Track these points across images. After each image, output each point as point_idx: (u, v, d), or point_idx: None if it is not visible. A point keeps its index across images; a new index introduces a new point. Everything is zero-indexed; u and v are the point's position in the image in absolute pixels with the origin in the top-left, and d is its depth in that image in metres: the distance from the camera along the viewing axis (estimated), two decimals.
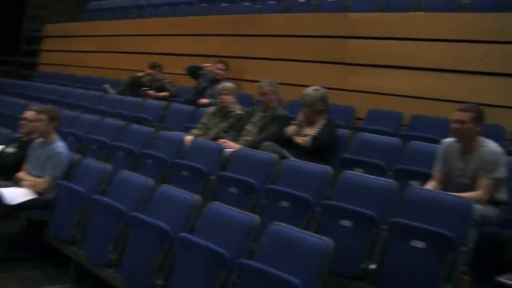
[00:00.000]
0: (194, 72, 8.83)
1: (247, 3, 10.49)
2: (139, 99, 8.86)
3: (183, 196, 4.42)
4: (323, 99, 5.95)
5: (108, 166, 5.47)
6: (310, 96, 5.94)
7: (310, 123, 5.98)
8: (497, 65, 6.37)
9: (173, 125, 7.58)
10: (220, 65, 8.52)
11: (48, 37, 14.17)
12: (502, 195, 4.54)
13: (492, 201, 4.48)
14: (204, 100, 8.17)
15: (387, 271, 4.05)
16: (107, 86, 9.75)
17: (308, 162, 5.20)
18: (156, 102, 8.67)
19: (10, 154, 6.05)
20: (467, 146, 4.59)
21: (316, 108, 5.92)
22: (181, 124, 7.61)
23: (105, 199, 4.85)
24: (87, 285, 4.91)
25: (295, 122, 6.06)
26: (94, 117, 7.93)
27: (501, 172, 4.46)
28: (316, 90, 5.99)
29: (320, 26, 8.13)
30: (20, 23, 15.17)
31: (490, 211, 4.40)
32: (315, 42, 8.15)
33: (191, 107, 8.04)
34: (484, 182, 4.45)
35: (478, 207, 4.17)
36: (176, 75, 9.65)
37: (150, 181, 4.86)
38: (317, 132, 5.86)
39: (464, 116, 4.52)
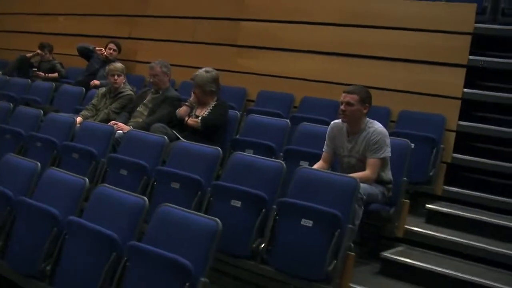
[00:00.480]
0: (85, 53, 8.63)
1: None
2: (27, 80, 8.58)
3: (71, 179, 4.33)
4: (214, 80, 5.97)
5: None
6: (200, 78, 5.94)
7: (201, 104, 5.99)
8: (386, 50, 6.55)
9: (63, 107, 7.41)
10: (111, 45, 8.38)
11: None
12: (387, 175, 4.69)
13: (377, 180, 4.62)
14: (96, 82, 8.01)
15: (277, 250, 4.12)
16: None
17: (198, 143, 5.22)
18: (46, 84, 8.43)
19: None
20: (354, 127, 4.68)
21: (206, 90, 5.93)
22: (72, 106, 7.46)
23: None
24: None
25: (186, 103, 6.06)
26: None
27: (387, 152, 4.60)
28: (207, 71, 6.00)
29: (214, 8, 8.10)
30: None
31: (375, 189, 4.54)
32: (208, 24, 8.11)
33: (82, 89, 7.87)
34: (371, 162, 4.57)
35: (364, 186, 4.29)
36: (67, 55, 9.38)
37: (38, 164, 4.72)
38: (207, 114, 5.89)
39: (351, 98, 4.61)
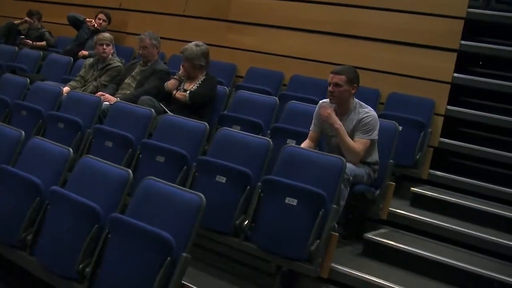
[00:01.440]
0: (75, 22, 8.53)
1: None
2: (14, 48, 8.47)
3: (56, 148, 4.28)
4: (203, 54, 5.93)
5: None
6: (190, 51, 5.91)
7: (190, 78, 5.96)
8: (378, 31, 6.52)
9: (51, 76, 7.34)
10: (101, 16, 8.28)
11: None
12: (373, 157, 4.68)
13: (363, 161, 4.61)
14: (84, 52, 7.93)
15: (260, 228, 4.11)
16: None
17: (185, 118, 5.19)
18: (33, 52, 8.33)
19: None
20: (343, 107, 4.66)
21: (196, 64, 5.89)
22: (59, 75, 7.38)
23: None
24: None
25: (175, 77, 6.01)
26: None
27: (375, 135, 4.58)
28: (197, 45, 5.95)
29: None
30: None
31: (361, 170, 4.54)
32: None
33: (69, 58, 7.80)
34: (358, 141, 4.54)
35: (350, 166, 4.28)
36: (56, 24, 9.28)
37: (22, 133, 4.67)
38: (195, 88, 5.86)
39: (339, 79, 4.57)
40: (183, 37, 7.41)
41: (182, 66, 5.98)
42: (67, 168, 4.17)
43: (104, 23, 8.26)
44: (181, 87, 5.95)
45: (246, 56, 7.38)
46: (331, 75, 4.63)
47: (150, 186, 3.66)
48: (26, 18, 9.02)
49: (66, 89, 6.42)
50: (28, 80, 6.63)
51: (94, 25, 8.22)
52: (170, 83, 5.98)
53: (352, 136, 4.59)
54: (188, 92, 5.81)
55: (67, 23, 8.60)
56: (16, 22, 9.17)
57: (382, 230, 4.88)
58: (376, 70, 6.35)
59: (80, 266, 3.49)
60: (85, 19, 8.35)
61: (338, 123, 4.53)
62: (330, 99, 4.68)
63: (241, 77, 7.24)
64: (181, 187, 3.74)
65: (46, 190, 3.87)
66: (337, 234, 4.01)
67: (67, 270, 3.56)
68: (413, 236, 4.86)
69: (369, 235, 4.64)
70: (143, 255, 3.29)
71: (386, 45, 6.44)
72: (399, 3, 6.43)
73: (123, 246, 3.39)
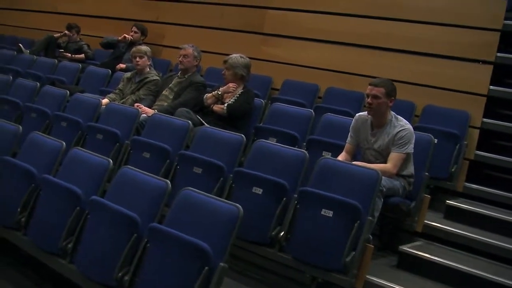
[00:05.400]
0: (109, 44, 8.68)
1: None
2: (54, 60, 8.65)
3: (95, 159, 4.36)
4: (246, 66, 6.07)
5: (19, 128, 5.28)
6: (235, 60, 6.06)
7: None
8: (413, 44, 6.53)
9: (89, 88, 7.47)
10: (133, 28, 8.44)
11: None
12: (409, 169, 4.68)
13: (399, 174, 4.62)
14: (122, 65, 8.06)
15: (296, 239, 4.13)
16: (21, 45, 9.46)
17: (222, 130, 5.24)
18: (72, 64, 8.49)
19: None
20: (379, 120, 4.68)
21: (237, 73, 6.02)
22: (97, 87, 7.52)
23: (15, 160, 4.69)
24: None
25: (214, 93, 6.05)
26: (6, 77, 7.61)
27: (410, 149, 4.59)
28: (242, 57, 6.12)
29: None
30: None
31: (396, 182, 4.55)
32: (235, 11, 8.12)
33: (107, 71, 7.93)
34: (394, 156, 4.56)
35: (385, 178, 4.29)
36: (94, 37, 9.44)
37: (63, 144, 4.75)
38: (233, 101, 5.92)
39: (377, 91, 4.59)
40: (218, 50, 7.51)
41: (223, 74, 6.08)
42: (106, 179, 4.25)
43: (136, 35, 8.41)
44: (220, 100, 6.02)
45: (281, 69, 7.42)
46: (369, 87, 4.65)
47: (188, 197, 3.71)
48: (65, 32, 9.22)
49: (105, 101, 6.51)
50: (68, 92, 6.74)
51: (129, 38, 8.35)
52: (210, 99, 6.05)
53: (387, 149, 4.61)
54: (226, 105, 5.88)
55: (105, 35, 8.75)
56: (56, 35, 9.36)
57: (417, 243, 4.87)
58: (411, 82, 6.34)
59: (119, 274, 3.54)
60: (118, 39, 8.49)
61: None
62: (367, 112, 4.71)
63: (277, 89, 7.28)
64: (219, 198, 3.77)
65: (86, 200, 3.94)
66: (372, 245, 4.02)
67: (106, 278, 3.61)
68: (448, 248, 4.84)
69: (404, 247, 4.64)
70: (181, 264, 3.34)
71: (421, 57, 6.44)
72: (434, 16, 6.42)
73: (161, 255, 3.45)
